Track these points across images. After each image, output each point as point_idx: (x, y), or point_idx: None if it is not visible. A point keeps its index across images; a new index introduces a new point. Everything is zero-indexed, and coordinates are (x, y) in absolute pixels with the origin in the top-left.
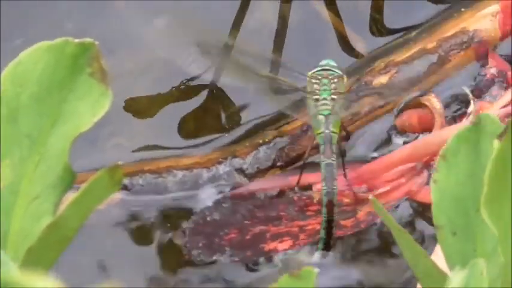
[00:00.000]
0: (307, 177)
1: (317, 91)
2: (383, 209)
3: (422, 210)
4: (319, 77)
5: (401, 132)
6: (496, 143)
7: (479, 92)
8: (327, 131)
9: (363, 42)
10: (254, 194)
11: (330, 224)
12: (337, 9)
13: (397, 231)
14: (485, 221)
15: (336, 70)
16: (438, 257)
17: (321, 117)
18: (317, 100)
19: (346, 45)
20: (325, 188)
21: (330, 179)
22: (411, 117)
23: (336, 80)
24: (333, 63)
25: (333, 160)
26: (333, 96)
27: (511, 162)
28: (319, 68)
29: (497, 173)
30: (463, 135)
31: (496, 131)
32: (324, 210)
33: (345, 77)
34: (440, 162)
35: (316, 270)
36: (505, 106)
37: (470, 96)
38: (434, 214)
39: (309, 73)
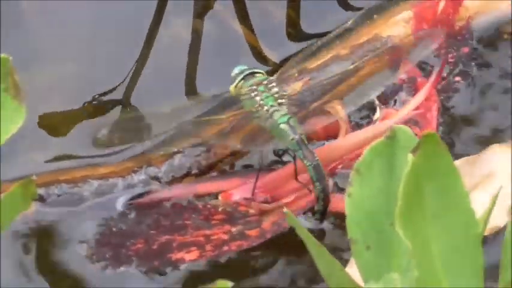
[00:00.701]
0: (212, 186)
1: (261, 102)
2: (297, 222)
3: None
4: (254, 88)
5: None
6: (410, 157)
7: (386, 97)
8: (296, 136)
9: (275, 53)
10: (160, 203)
11: (324, 210)
12: (250, 24)
13: (311, 243)
14: (400, 235)
15: (258, 70)
16: (353, 269)
17: (283, 125)
18: (267, 111)
19: (259, 56)
20: (319, 187)
21: (322, 178)
22: (316, 124)
23: (271, 84)
24: (245, 66)
25: (317, 159)
26: (280, 101)
27: (425, 176)
28: (240, 78)
29: (411, 187)
30: (377, 149)
31: (410, 145)
32: (321, 203)
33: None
34: (355, 176)
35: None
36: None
37: (377, 103)
38: (348, 228)
39: (234, 87)
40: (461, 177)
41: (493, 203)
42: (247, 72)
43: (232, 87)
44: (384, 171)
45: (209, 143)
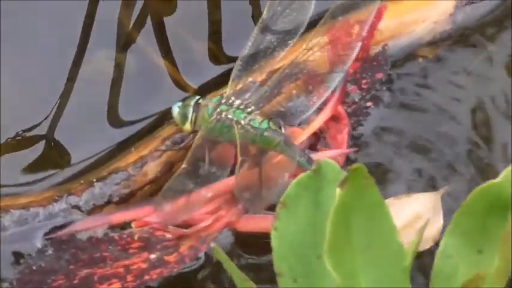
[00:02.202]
0: (126, 215)
1: (235, 119)
2: (223, 255)
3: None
4: (218, 111)
5: (219, 166)
6: (338, 191)
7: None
8: (281, 137)
9: (195, 84)
10: (74, 236)
11: None
12: (172, 56)
13: (236, 275)
14: (327, 268)
15: (197, 97)
16: None
17: (266, 132)
18: (244, 125)
19: (180, 87)
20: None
21: (311, 166)
22: (227, 149)
23: (229, 99)
24: (180, 102)
25: (305, 152)
26: (248, 110)
27: (353, 210)
28: (192, 111)
29: (339, 221)
30: (303, 183)
31: (336, 179)
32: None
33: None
34: (281, 210)
35: None
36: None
37: (281, 123)
38: (275, 261)
39: (190, 123)
40: (389, 210)
41: (420, 235)
42: (192, 102)
43: (187, 124)
44: (310, 205)
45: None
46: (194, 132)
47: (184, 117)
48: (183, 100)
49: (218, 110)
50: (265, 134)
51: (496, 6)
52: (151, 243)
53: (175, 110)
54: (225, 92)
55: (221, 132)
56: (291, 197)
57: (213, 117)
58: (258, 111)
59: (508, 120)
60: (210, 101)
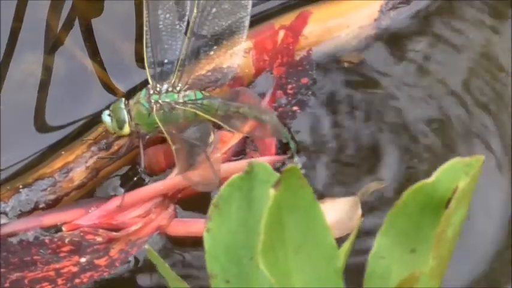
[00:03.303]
0: (56, 217)
1: (171, 101)
2: (153, 252)
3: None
4: (151, 103)
5: (150, 172)
6: (272, 192)
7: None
8: (219, 99)
9: (122, 85)
10: (5, 240)
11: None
12: (100, 58)
13: (165, 271)
14: (261, 268)
15: (122, 100)
16: None
17: (206, 101)
18: (183, 104)
19: (108, 88)
20: (286, 135)
21: (281, 129)
22: (157, 153)
23: (155, 88)
24: (109, 108)
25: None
26: (177, 89)
27: (286, 210)
28: (126, 112)
29: (273, 221)
30: (236, 184)
31: (268, 180)
32: (292, 143)
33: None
34: (213, 211)
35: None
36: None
37: (211, 126)
38: (207, 263)
39: (129, 124)
40: (322, 211)
41: (354, 236)
42: (122, 104)
43: (126, 127)
44: (242, 206)
45: None
46: (131, 134)
47: (120, 121)
48: (109, 107)
49: (152, 101)
50: (205, 102)
51: (419, 11)
52: (81, 247)
53: (107, 119)
54: (149, 84)
55: (169, 119)
56: (223, 198)
57: (150, 110)
58: (186, 87)
59: None
60: (139, 97)
